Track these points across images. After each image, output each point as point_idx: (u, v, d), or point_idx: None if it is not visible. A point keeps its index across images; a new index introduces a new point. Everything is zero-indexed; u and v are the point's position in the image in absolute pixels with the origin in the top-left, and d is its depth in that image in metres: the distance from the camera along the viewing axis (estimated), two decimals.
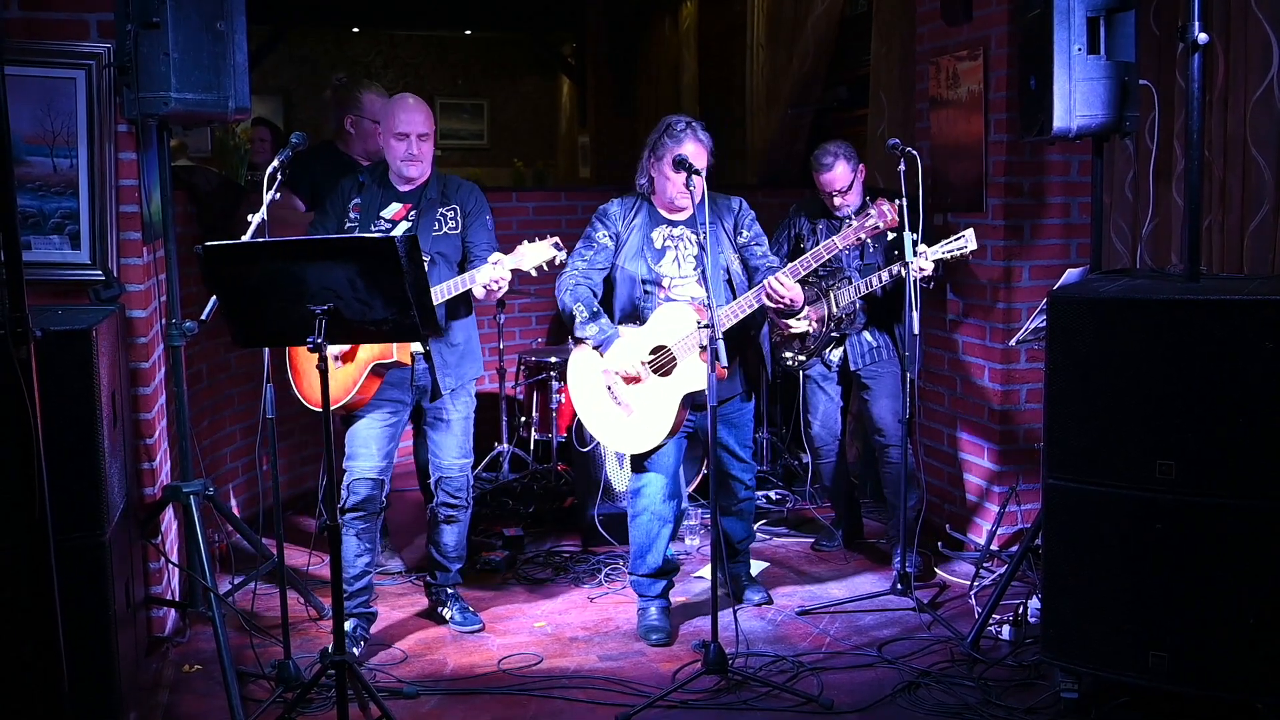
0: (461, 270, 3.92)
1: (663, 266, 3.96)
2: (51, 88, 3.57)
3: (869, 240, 4.17)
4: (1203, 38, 3.14)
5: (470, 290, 3.80)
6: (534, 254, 3.78)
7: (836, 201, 4.55)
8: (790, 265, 3.87)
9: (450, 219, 3.94)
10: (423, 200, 3.92)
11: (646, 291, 3.96)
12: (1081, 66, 3.67)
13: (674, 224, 3.99)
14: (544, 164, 14.81)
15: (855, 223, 3.93)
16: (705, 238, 3.76)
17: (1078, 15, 3.66)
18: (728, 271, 3.97)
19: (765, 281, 3.80)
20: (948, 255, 4.24)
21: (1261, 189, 3.74)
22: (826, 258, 3.95)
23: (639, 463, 4.03)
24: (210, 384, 5.11)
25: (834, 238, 3.95)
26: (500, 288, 3.76)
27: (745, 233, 4.02)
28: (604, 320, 3.93)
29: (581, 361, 4.02)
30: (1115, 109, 3.71)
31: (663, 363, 3.89)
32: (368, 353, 3.78)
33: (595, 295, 3.97)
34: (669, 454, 4.00)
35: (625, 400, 3.92)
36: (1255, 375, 2.94)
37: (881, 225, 3.90)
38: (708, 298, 3.58)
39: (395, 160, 3.89)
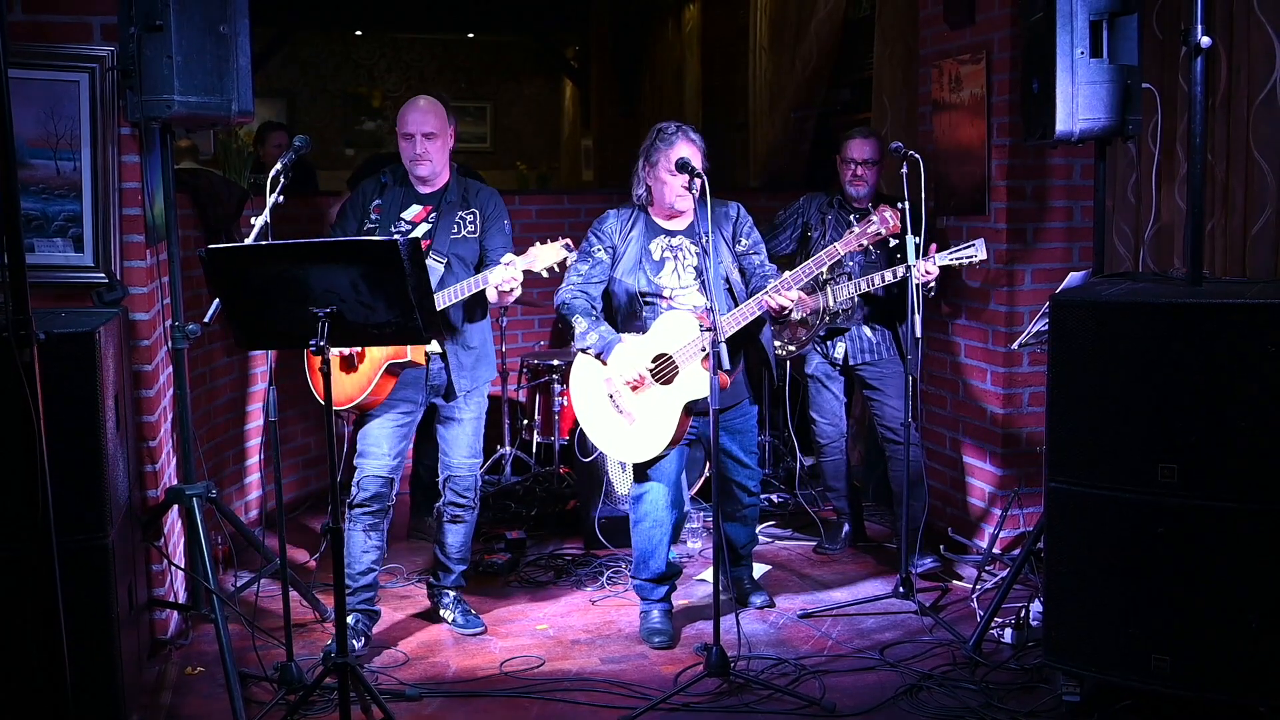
0: (477, 271, 3.93)
1: (662, 278, 3.96)
2: (55, 90, 3.57)
3: (871, 247, 4.18)
4: (1205, 41, 3.14)
5: (484, 293, 3.81)
6: (545, 255, 3.80)
7: (859, 171, 4.59)
8: (791, 273, 3.86)
9: (469, 222, 3.97)
10: (443, 203, 3.95)
11: (648, 303, 3.96)
12: (1084, 70, 3.67)
13: (672, 234, 3.98)
14: (547, 167, 14.82)
15: (857, 229, 3.94)
16: (709, 241, 3.75)
17: (1080, 18, 3.66)
18: (728, 280, 3.96)
19: (766, 294, 3.80)
20: (956, 262, 4.25)
21: (1264, 192, 3.73)
22: (828, 264, 3.96)
23: (641, 471, 4.02)
24: (213, 386, 5.12)
25: (835, 244, 3.96)
26: (512, 289, 3.76)
27: (744, 240, 4.03)
28: (604, 328, 3.93)
29: (583, 370, 4.01)
30: (1118, 112, 3.71)
31: (664, 371, 3.87)
32: (381, 352, 3.79)
33: (594, 307, 3.98)
34: (671, 462, 3.99)
35: (627, 409, 3.91)
36: (1257, 379, 2.94)
37: (884, 231, 3.93)
38: (710, 302, 3.58)
39: (405, 161, 3.94)
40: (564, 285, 4.01)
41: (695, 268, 3.95)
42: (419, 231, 3.91)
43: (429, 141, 3.89)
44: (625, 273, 3.96)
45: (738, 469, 4.16)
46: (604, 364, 3.92)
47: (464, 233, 3.95)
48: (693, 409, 3.87)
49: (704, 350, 3.75)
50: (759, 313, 3.84)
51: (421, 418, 4.06)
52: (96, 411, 3.08)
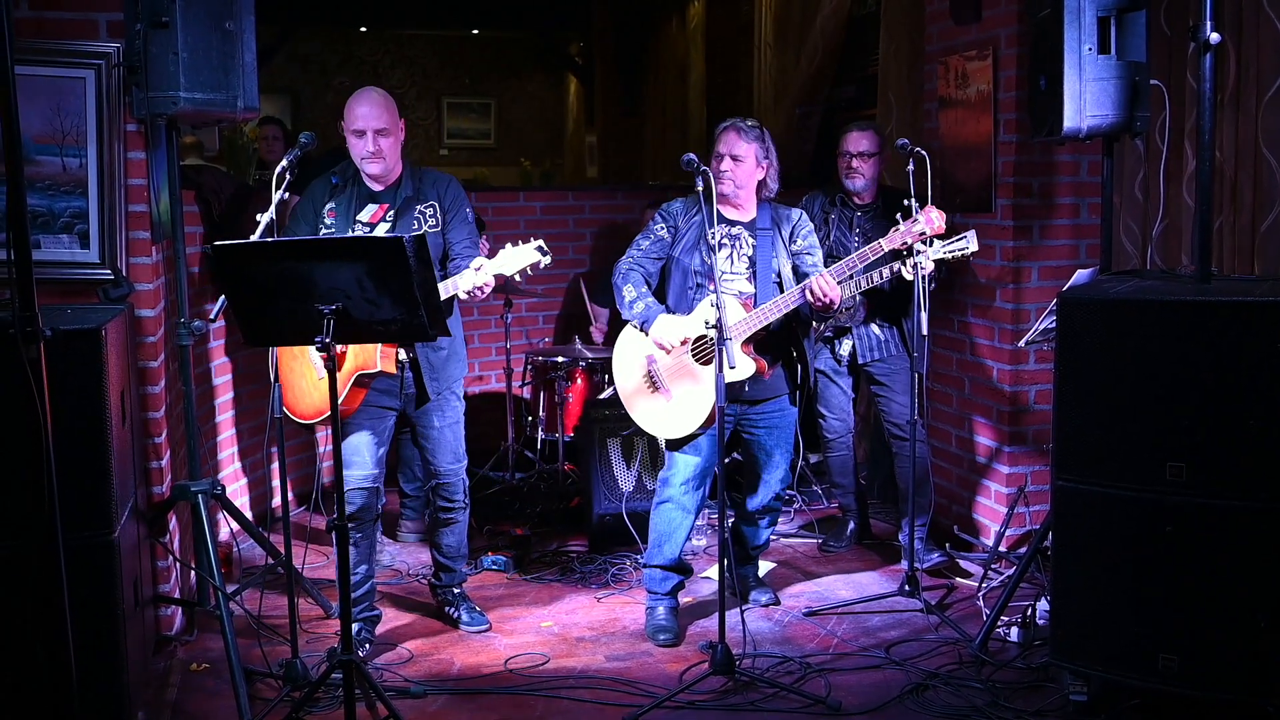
0: (443, 267, 3.84)
1: (716, 260, 3.97)
2: (61, 87, 3.57)
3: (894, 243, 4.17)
4: (1214, 37, 3.13)
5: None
6: (516, 258, 3.66)
7: (855, 164, 4.58)
8: (834, 266, 3.89)
9: (430, 216, 3.83)
10: (398, 199, 3.82)
11: (698, 284, 3.98)
12: (1092, 66, 3.66)
13: (733, 224, 4.00)
14: (551, 163, 14.80)
15: (903, 227, 3.92)
16: (710, 235, 3.77)
17: (1088, 15, 3.65)
18: (779, 275, 4.00)
19: (809, 280, 3.82)
20: (949, 255, 4.23)
21: (1273, 189, 3.72)
22: (872, 259, 3.96)
23: (673, 447, 4.05)
24: (218, 383, 5.12)
25: (880, 240, 3.95)
26: (484, 294, 3.68)
27: (800, 241, 4.07)
28: (650, 300, 3.98)
29: (627, 343, 4.08)
30: (1126, 109, 3.70)
31: (705, 351, 3.90)
32: (350, 363, 3.71)
33: (649, 283, 4.04)
34: (702, 446, 4.00)
35: (666, 385, 3.96)
36: (1266, 377, 2.93)
37: (929, 231, 3.91)
38: (715, 299, 3.57)
39: (356, 160, 3.79)
40: (623, 258, 4.07)
41: (749, 257, 3.98)
42: (379, 232, 3.76)
43: (382, 138, 3.71)
44: (683, 251, 4.01)
45: (771, 467, 4.14)
46: (645, 334, 3.96)
47: (425, 228, 3.79)
48: (730, 393, 3.87)
49: (745, 335, 3.81)
50: (800, 300, 3.84)
51: (395, 434, 3.99)
52: (102, 408, 3.08)
